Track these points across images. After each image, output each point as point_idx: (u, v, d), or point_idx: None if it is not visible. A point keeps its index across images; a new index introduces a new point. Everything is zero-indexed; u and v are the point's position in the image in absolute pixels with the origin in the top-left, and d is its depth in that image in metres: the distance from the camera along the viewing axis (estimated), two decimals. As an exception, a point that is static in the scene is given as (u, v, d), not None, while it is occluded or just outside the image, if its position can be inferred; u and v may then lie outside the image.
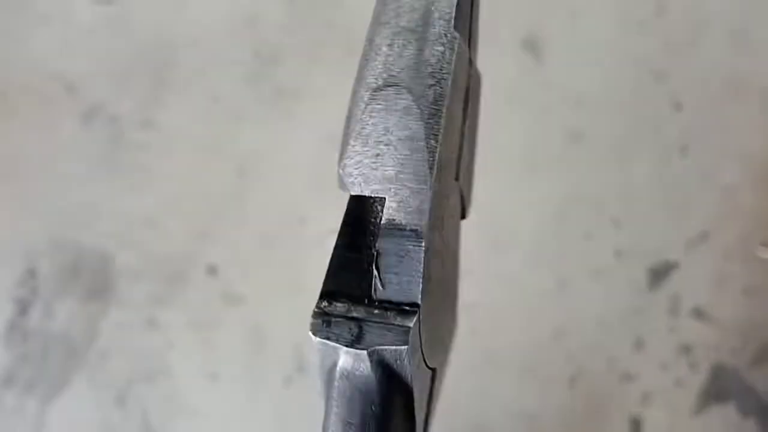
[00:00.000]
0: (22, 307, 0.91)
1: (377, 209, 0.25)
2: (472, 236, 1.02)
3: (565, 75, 1.10)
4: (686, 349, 0.88)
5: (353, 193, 0.24)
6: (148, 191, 0.97)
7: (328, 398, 0.24)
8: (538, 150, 1.05)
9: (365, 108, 0.23)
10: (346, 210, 0.26)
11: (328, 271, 0.25)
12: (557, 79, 1.10)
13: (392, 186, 0.23)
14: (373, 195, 0.23)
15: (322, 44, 1.08)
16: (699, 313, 0.91)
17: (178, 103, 1.03)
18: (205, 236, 0.95)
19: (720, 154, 1.11)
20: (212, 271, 0.93)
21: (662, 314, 0.91)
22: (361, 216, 0.25)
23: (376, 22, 0.26)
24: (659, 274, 0.97)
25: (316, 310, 0.24)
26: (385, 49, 0.24)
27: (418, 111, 0.23)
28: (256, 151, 1.00)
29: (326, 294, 0.25)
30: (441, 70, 0.24)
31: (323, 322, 0.24)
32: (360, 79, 0.24)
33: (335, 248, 0.26)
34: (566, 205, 1.03)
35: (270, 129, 1.02)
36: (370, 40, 0.25)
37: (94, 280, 0.92)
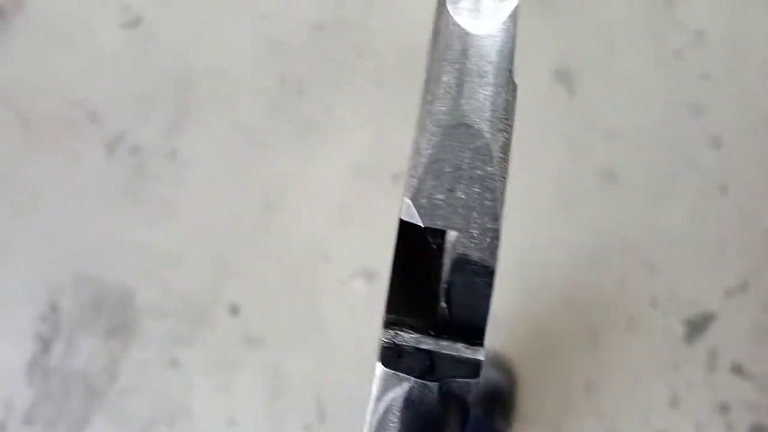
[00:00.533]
0: (45, 345, 0.90)
1: (440, 241, 0.26)
2: (502, 280, 0.99)
3: (598, 108, 1.07)
4: (724, 408, 0.85)
5: (424, 225, 0.24)
6: (171, 224, 0.96)
7: (382, 428, 0.25)
8: (570, 189, 1.02)
9: (438, 143, 0.25)
10: (402, 239, 0.26)
11: (390, 299, 0.25)
12: (590, 113, 1.06)
13: (465, 222, 0.25)
14: (441, 228, 0.25)
15: (349, 73, 1.05)
16: (738, 369, 0.87)
17: (203, 133, 1.01)
18: (228, 272, 0.94)
19: (762, 193, 1.07)
20: (234, 310, 0.91)
21: (699, 369, 0.87)
22: (422, 246, 0.26)
23: (440, 58, 0.27)
24: (696, 325, 0.94)
25: (385, 341, 0.24)
26: (454, 88, 0.26)
27: (490, 153, 0.26)
28: (281, 184, 0.98)
29: (391, 323, 0.25)
30: (507, 118, 0.26)
31: (394, 353, 0.24)
32: (429, 113, 0.26)
33: (394, 276, 0.26)
34: (600, 249, 0.99)
35: (295, 160, 1.00)
36: (435, 78, 0.26)
37: (115, 317, 0.91)
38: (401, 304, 0.25)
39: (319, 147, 1.00)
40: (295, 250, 0.95)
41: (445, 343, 0.25)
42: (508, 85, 0.27)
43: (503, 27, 0.27)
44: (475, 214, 0.25)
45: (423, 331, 0.25)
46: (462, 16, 0.27)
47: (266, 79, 1.04)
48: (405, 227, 0.25)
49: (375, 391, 0.25)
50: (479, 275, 0.25)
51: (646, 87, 1.08)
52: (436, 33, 0.27)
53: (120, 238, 0.95)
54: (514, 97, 0.27)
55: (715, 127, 1.07)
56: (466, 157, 0.25)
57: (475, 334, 0.25)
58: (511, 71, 0.27)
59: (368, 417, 0.26)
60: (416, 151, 0.25)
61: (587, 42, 1.10)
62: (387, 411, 0.25)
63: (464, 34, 0.27)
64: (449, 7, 0.27)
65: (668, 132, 1.06)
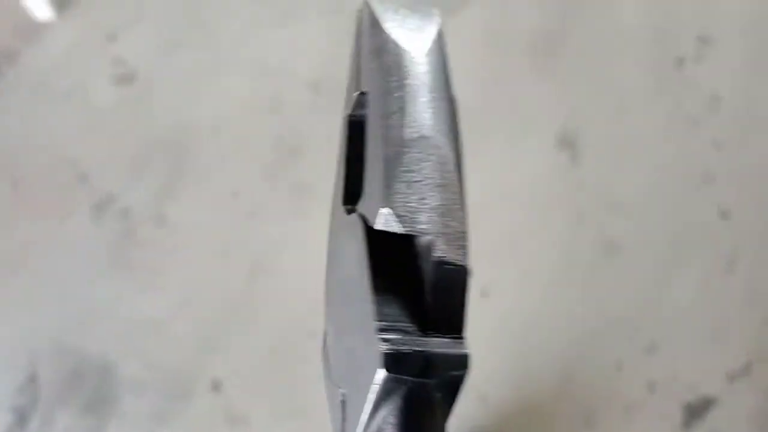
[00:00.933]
0: (20, 418, 0.88)
1: (415, 247, 0.27)
2: (497, 356, 0.96)
3: (603, 176, 1.03)
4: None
5: (404, 231, 0.26)
6: (156, 293, 0.93)
7: (382, 424, 0.27)
8: (571, 262, 0.98)
9: (405, 155, 0.27)
10: (373, 242, 0.28)
11: (377, 303, 0.27)
12: (595, 181, 1.03)
13: (439, 226, 0.27)
14: (418, 233, 0.27)
15: (345, 135, 1.03)
16: (738, 463, 0.84)
17: (193, 196, 0.98)
18: (211, 345, 0.91)
19: (769, 269, 1.03)
20: (217, 386, 0.89)
21: (698, 463, 0.83)
22: (399, 253, 0.28)
23: (385, 76, 0.29)
24: (696, 410, 0.90)
25: (385, 347, 0.26)
26: (406, 104, 0.28)
27: (449, 162, 0.28)
28: (270, 253, 0.96)
29: (384, 329, 0.26)
30: (456, 128, 0.29)
31: (395, 358, 0.25)
32: (388, 128, 0.28)
33: (375, 281, 0.27)
34: (598, 327, 0.95)
35: (286, 228, 0.97)
36: (383, 94, 0.28)
37: (95, 390, 0.89)
38: (390, 310, 0.27)
39: (310, 214, 0.98)
40: (280, 323, 0.93)
41: (435, 341, 0.26)
42: (452, 98, 0.29)
43: (434, 44, 0.29)
44: (446, 219, 0.27)
45: (414, 333, 0.26)
46: (396, 34, 0.29)
47: (262, 139, 1.02)
48: (381, 236, 0.27)
49: (373, 401, 0.26)
50: (456, 274, 0.27)
51: (654, 154, 1.05)
52: (377, 51, 0.29)
53: (104, 306, 0.93)
54: (456, 109, 0.29)
55: (725, 197, 1.03)
56: (428, 166, 0.27)
57: (456, 330, 0.27)
58: (450, 85, 0.29)
59: (361, 429, 0.27)
60: (384, 162, 0.27)
61: (593, 106, 1.07)
62: (385, 418, 0.26)
63: (402, 52, 0.29)
64: (386, 26, 0.29)
65: (676, 202, 1.02)
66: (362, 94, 0.30)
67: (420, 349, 0.26)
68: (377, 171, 0.27)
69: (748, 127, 1.07)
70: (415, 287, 0.27)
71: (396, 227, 0.26)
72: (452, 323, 0.27)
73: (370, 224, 0.27)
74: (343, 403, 0.30)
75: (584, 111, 1.05)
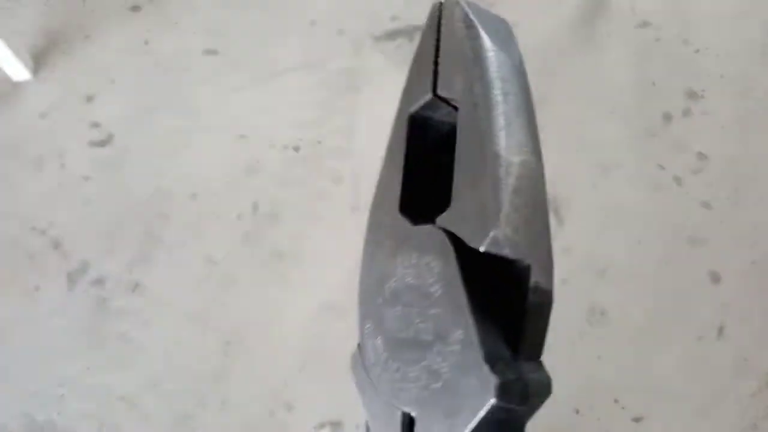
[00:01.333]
0: (-13, 502, 0.85)
1: (509, 269, 0.26)
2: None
3: (588, 240, 1.01)
4: None
5: (512, 256, 0.25)
6: (129, 367, 0.91)
7: None
8: (556, 328, 0.95)
9: (511, 176, 0.26)
10: (463, 261, 0.26)
11: (480, 329, 0.26)
12: (579, 245, 1.00)
13: (535, 251, 0.26)
14: (522, 258, 0.26)
15: (326, 198, 1.01)
16: None
17: (168, 264, 0.96)
18: (186, 422, 0.88)
19: (760, 335, 1.00)
20: (190, 466, 0.86)
21: None
22: (488, 273, 0.26)
23: (488, 98, 0.27)
24: (685, 489, 0.87)
25: (498, 377, 0.25)
26: (515, 124, 0.27)
27: (543, 187, 0.27)
28: (246, 322, 0.93)
29: (493, 358, 0.25)
30: (539, 146, 0.29)
31: (504, 387, 0.25)
32: (497, 145, 0.26)
33: (476, 313, 0.26)
34: (584, 397, 0.93)
35: (263, 296, 0.95)
36: (487, 107, 0.27)
37: (64, 471, 0.86)
38: (494, 339, 0.26)
39: (288, 282, 0.96)
40: (256, 397, 0.90)
41: (527, 366, 0.26)
42: (532, 119, 0.28)
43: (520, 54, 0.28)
44: (540, 244, 0.26)
45: (510, 359, 0.26)
46: (495, 42, 0.28)
47: (239, 205, 1.00)
48: (473, 255, 0.25)
49: (471, 427, 0.25)
50: (546, 300, 0.26)
51: (641, 216, 1.02)
52: (475, 58, 0.27)
53: (76, 379, 0.91)
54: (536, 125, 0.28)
55: (714, 260, 1.00)
56: (529, 191, 0.26)
57: (539, 355, 0.27)
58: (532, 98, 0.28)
59: None
60: (494, 183, 0.25)
61: (577, 167, 1.04)
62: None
63: (503, 63, 0.27)
64: (482, 31, 0.27)
65: (664, 266, 1.00)
66: (438, 97, 0.28)
67: (522, 377, 0.25)
68: (481, 189, 0.26)
69: (738, 185, 1.05)
70: (503, 310, 0.26)
71: (505, 251, 0.25)
72: (538, 348, 0.27)
73: (466, 242, 0.26)
74: (410, 422, 0.28)
75: (568, 173, 1.03)
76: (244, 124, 1.04)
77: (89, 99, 1.05)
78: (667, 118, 1.08)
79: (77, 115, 1.05)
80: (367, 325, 0.30)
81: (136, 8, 1.14)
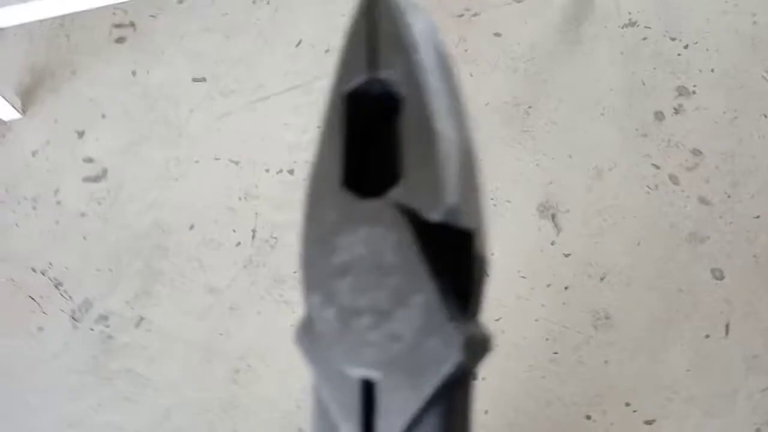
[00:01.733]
0: None
1: (453, 238, 0.29)
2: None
3: (587, 245, 1.01)
4: None
5: (464, 226, 0.29)
6: (138, 402, 0.91)
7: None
8: (561, 338, 0.96)
9: (458, 155, 0.30)
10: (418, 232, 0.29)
11: (443, 297, 0.28)
12: (579, 250, 1.00)
13: (477, 223, 0.30)
14: (469, 229, 0.29)
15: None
16: None
17: (172, 297, 0.96)
18: (198, 455, 0.88)
19: (766, 329, 1.00)
20: (206, 500, 0.86)
21: None
22: (435, 242, 0.30)
23: (429, 82, 0.30)
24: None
25: (462, 335, 0.27)
26: (455, 107, 0.30)
27: (479, 167, 0.30)
28: (253, 349, 0.93)
29: (452, 319, 0.28)
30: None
31: (469, 345, 0.27)
32: (444, 127, 0.29)
33: (434, 279, 0.28)
34: (593, 405, 0.93)
35: (268, 322, 0.95)
36: (431, 92, 0.29)
37: None
38: (449, 302, 0.28)
39: (291, 306, 0.95)
40: (268, 422, 0.90)
41: (474, 325, 0.28)
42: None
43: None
44: (482, 212, 0.29)
45: (461, 319, 0.28)
46: (431, 27, 0.31)
47: (238, 232, 1.00)
48: (424, 226, 0.28)
49: (437, 386, 0.27)
50: (485, 267, 0.29)
51: (639, 217, 1.02)
52: (413, 44, 0.29)
53: (85, 418, 0.90)
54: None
55: (716, 256, 1.00)
56: (470, 169, 0.29)
57: (479, 314, 0.29)
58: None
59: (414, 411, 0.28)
60: (445, 161, 0.28)
61: (571, 170, 1.04)
62: (451, 400, 0.28)
63: (442, 49, 0.30)
64: (420, 16, 0.31)
65: (665, 266, 1.00)
66: (373, 77, 0.30)
67: (476, 335, 0.27)
68: (431, 166, 0.28)
69: (735, 179, 1.05)
70: (451, 275, 0.28)
71: (458, 220, 0.28)
72: (479, 308, 0.29)
73: (421, 214, 0.28)
74: (367, 386, 0.29)
75: (563, 178, 1.03)
76: (238, 149, 1.04)
77: (80, 134, 1.05)
78: (659, 116, 1.08)
79: (69, 151, 1.04)
80: (315, 298, 0.31)
81: (120, 39, 1.13)
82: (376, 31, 0.31)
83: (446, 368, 0.27)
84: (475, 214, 0.29)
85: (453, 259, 0.29)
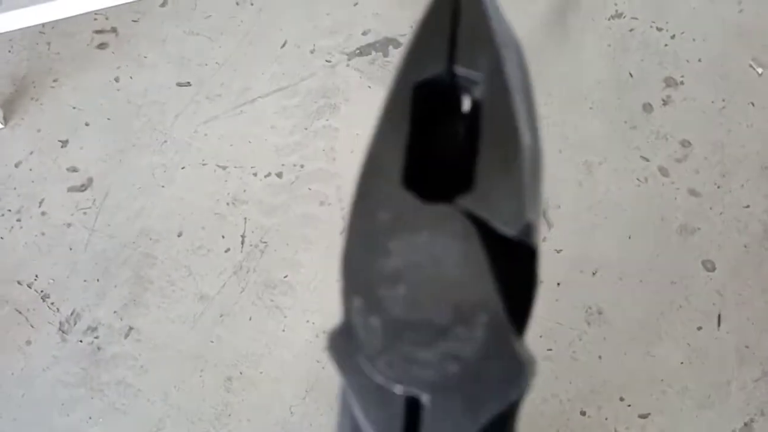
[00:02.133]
0: None
1: (528, 262, 0.29)
2: None
3: (578, 240, 1.00)
4: None
5: (532, 244, 0.27)
6: (130, 413, 0.90)
7: None
8: (554, 334, 0.95)
9: (536, 163, 0.28)
10: (488, 245, 0.27)
11: (510, 320, 0.27)
12: (570, 246, 1.00)
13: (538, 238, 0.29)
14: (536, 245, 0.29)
15: (313, 223, 1.00)
16: None
17: (161, 306, 0.95)
18: (193, 465, 0.88)
19: (759, 320, 1.00)
20: None
21: None
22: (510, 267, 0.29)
23: (516, 81, 0.28)
24: (699, 483, 0.87)
25: (531, 360, 0.26)
26: (532, 110, 0.29)
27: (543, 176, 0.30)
28: (245, 356, 0.92)
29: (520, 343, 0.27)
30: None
31: (531, 369, 0.27)
32: (524, 133, 0.27)
33: (500, 288, 0.27)
34: (587, 401, 0.92)
35: (260, 328, 0.94)
36: (516, 91, 0.28)
37: None
38: (513, 324, 0.26)
39: (282, 311, 0.95)
40: (262, 430, 0.89)
41: (525, 344, 0.27)
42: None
43: None
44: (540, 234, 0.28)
45: (520, 339, 0.27)
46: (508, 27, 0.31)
47: (226, 238, 0.99)
48: (499, 242, 0.26)
49: (498, 409, 0.26)
50: (539, 283, 0.29)
51: (629, 210, 1.02)
52: (508, 40, 0.28)
53: (77, 431, 0.90)
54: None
55: (707, 248, 1.00)
56: (540, 180, 0.28)
57: (524, 334, 0.28)
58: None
59: None
60: (523, 175, 0.26)
61: (562, 165, 1.04)
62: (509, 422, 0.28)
63: (518, 47, 0.30)
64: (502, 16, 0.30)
65: (656, 259, 0.99)
66: (451, 71, 0.27)
67: (533, 360, 0.26)
68: (511, 176, 0.26)
69: (724, 170, 1.04)
70: (511, 293, 0.26)
71: (532, 239, 0.26)
72: (526, 329, 0.28)
73: (495, 227, 0.26)
74: (412, 405, 0.27)
75: (553, 174, 1.03)
76: (224, 154, 1.03)
77: (64, 143, 1.04)
78: (648, 108, 1.07)
79: (53, 161, 1.03)
80: (357, 302, 0.28)
81: (102, 45, 1.12)
82: (458, 23, 0.28)
83: (511, 395, 0.25)
84: (539, 231, 0.27)
85: (515, 278, 0.27)
